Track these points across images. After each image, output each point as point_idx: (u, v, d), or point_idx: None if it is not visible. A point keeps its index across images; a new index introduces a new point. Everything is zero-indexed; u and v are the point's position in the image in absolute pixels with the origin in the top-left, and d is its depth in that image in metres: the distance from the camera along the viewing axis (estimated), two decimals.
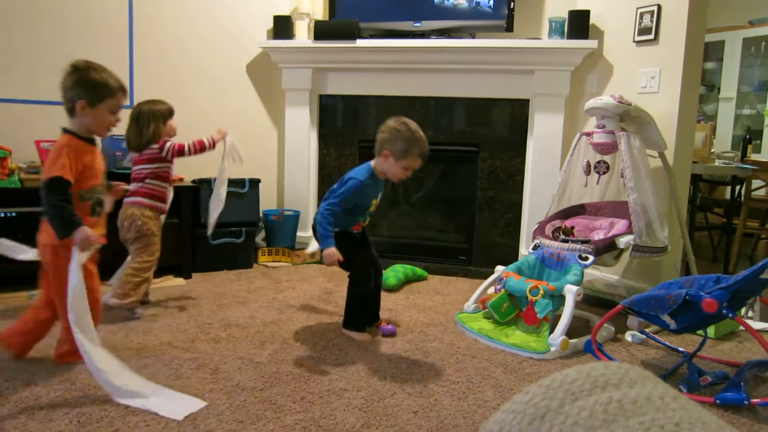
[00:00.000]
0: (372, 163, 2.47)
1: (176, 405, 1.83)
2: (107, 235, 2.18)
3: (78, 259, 1.90)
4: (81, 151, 2.01)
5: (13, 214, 3.00)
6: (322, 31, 3.76)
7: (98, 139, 2.14)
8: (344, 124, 4.02)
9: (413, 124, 2.38)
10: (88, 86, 1.99)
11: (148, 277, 2.73)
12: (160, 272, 3.37)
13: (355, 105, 3.97)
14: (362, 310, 2.56)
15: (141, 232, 2.71)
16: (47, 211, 1.94)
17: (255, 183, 3.79)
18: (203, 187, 3.57)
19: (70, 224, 1.91)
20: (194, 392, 1.92)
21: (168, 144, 2.76)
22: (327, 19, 3.95)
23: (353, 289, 2.55)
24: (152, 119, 2.77)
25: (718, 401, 1.96)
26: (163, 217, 2.84)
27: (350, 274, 2.56)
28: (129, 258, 2.78)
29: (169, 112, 2.83)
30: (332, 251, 2.33)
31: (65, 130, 2.03)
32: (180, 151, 2.77)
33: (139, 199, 2.72)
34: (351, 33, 3.70)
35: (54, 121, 3.46)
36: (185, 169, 3.76)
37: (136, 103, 3.66)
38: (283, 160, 4.14)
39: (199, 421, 1.73)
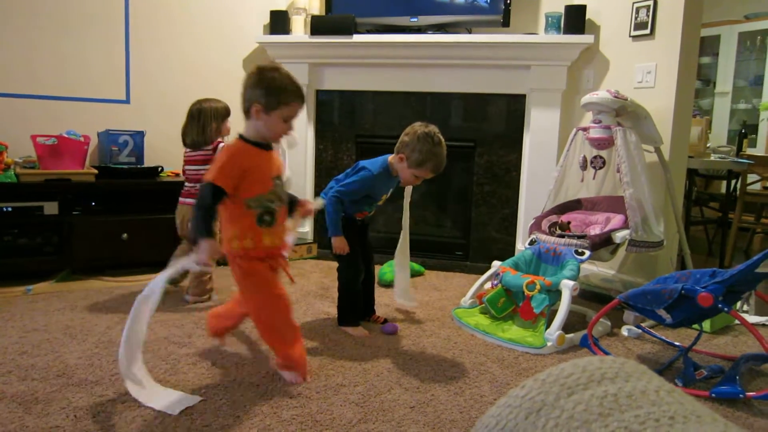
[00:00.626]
0: (389, 158, 2.47)
1: (172, 400, 1.83)
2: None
3: (180, 264, 1.89)
4: (245, 155, 1.92)
5: (9, 209, 2.99)
6: (318, 26, 3.75)
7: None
8: (341, 120, 4.01)
9: (437, 137, 2.37)
10: (267, 90, 1.89)
11: (210, 272, 2.89)
12: (156, 269, 3.37)
13: (352, 100, 3.96)
14: (354, 305, 2.56)
15: None
16: (194, 209, 1.89)
17: None
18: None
19: (199, 231, 1.82)
20: (191, 387, 1.93)
21: (221, 146, 2.79)
22: (323, 14, 3.94)
23: (341, 283, 2.55)
24: (214, 118, 2.83)
25: (713, 395, 1.97)
26: None
27: (338, 266, 2.55)
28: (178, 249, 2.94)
29: (227, 112, 2.88)
30: (342, 241, 2.40)
31: (239, 134, 1.97)
32: None
33: (188, 200, 2.84)
34: (347, 28, 3.69)
35: (50, 116, 3.47)
36: (181, 164, 3.75)
37: (132, 97, 3.68)
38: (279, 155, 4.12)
39: (196, 416, 1.74)
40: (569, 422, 0.54)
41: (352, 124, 3.99)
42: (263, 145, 1.97)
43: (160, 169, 3.54)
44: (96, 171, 3.26)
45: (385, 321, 2.63)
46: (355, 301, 2.57)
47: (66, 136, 3.18)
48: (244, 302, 2.06)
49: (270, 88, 1.88)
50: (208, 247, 1.80)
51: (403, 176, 2.44)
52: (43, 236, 3.08)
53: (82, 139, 3.23)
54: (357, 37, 3.72)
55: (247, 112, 1.93)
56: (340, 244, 2.41)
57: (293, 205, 2.13)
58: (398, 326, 2.57)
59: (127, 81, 3.63)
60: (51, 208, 3.08)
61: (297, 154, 4.04)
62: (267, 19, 3.95)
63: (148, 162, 3.58)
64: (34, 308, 2.68)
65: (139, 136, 3.52)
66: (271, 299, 1.98)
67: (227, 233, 1.96)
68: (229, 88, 3.96)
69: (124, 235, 3.23)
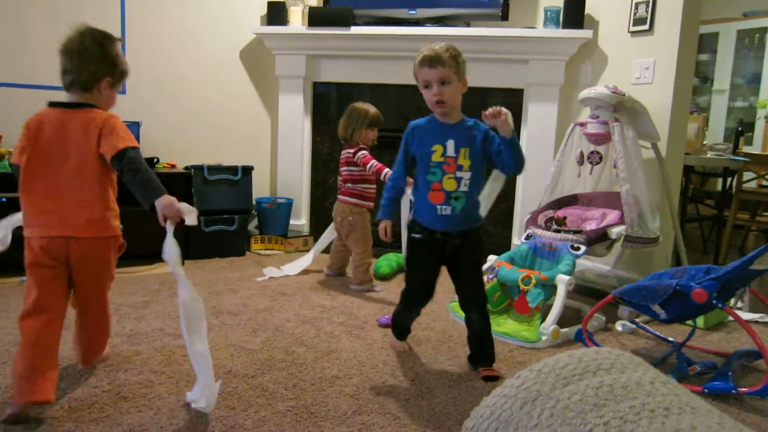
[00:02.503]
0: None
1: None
2: None
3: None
4: None
5: (4, 200, 2.98)
6: (316, 18, 3.74)
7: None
8: (338, 112, 3.99)
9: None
10: None
11: (370, 262, 3.10)
12: (152, 259, 3.37)
13: (349, 92, 3.95)
14: (402, 324, 2.29)
15: (352, 227, 3.07)
16: None
17: (248, 170, 3.78)
18: (195, 173, 3.56)
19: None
20: (186, 379, 1.92)
21: (361, 153, 3.00)
22: (321, 5, 3.93)
23: (398, 304, 2.26)
24: (358, 121, 3.03)
25: (706, 390, 1.98)
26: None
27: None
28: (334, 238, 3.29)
29: (375, 120, 3.06)
30: (384, 224, 2.12)
31: None
32: (370, 169, 2.97)
33: (347, 198, 3.09)
34: (345, 20, 3.68)
35: (44, 106, 3.44)
36: (177, 155, 3.75)
37: (128, 87, 3.66)
38: (276, 147, 4.12)
39: (191, 408, 1.73)
40: (564, 412, 0.54)
41: None
42: None
43: (155, 160, 3.52)
44: None
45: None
46: (405, 322, 2.28)
47: None
48: None
49: None
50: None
51: (428, 101, 2.00)
52: None
53: None
54: (355, 29, 3.71)
55: None
56: (381, 226, 2.12)
57: None
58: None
59: None
60: None
61: (293, 146, 4.03)
62: (264, 10, 3.93)
63: (144, 153, 3.52)
64: None
65: (134, 126, 3.50)
66: None
67: None
68: (226, 78, 3.98)
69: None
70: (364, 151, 3.01)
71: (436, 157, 1.99)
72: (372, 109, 3.06)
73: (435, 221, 2.01)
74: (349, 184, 3.08)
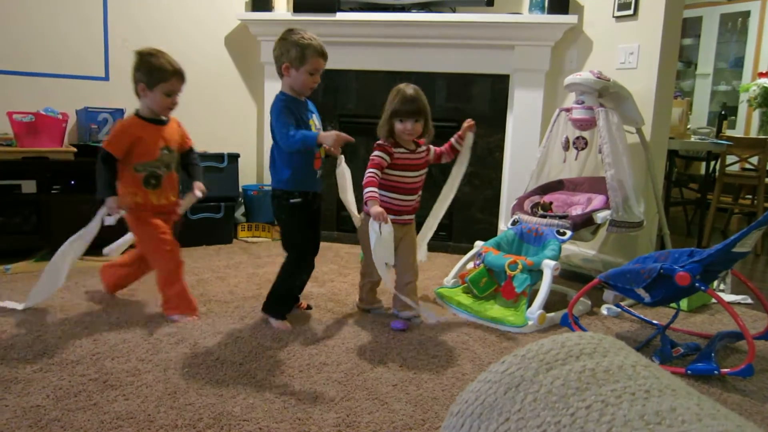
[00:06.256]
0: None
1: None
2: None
3: (101, 216, 2.29)
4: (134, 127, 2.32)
5: None
6: (301, 4, 3.70)
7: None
8: (324, 99, 3.97)
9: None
10: (146, 70, 2.28)
11: (374, 281, 2.52)
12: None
13: (335, 79, 3.93)
14: (288, 300, 2.40)
15: (362, 236, 2.44)
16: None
17: (234, 158, 3.75)
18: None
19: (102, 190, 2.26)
20: (174, 366, 1.92)
21: (373, 154, 2.34)
22: None
23: (284, 275, 2.34)
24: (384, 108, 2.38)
25: (689, 372, 2.01)
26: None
27: (287, 256, 2.35)
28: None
29: (398, 109, 2.33)
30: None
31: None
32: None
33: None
34: (331, 6, 3.65)
35: (27, 93, 3.40)
36: None
37: (111, 74, 3.61)
38: (262, 134, 4.09)
39: (179, 395, 1.74)
40: (547, 396, 0.55)
41: (336, 104, 3.96)
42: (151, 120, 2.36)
43: None
44: (75, 149, 3.21)
45: (309, 307, 2.55)
46: (291, 296, 2.42)
47: (43, 113, 3.12)
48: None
49: (150, 70, 2.28)
50: (111, 202, 2.25)
51: (307, 85, 2.37)
52: (21, 215, 3.03)
53: (60, 116, 3.18)
54: (340, 15, 3.68)
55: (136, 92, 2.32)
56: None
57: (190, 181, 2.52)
58: (407, 324, 2.40)
59: (106, 57, 3.56)
60: (29, 186, 3.03)
61: None
62: None
63: None
64: (12, 288, 2.65)
65: (118, 113, 3.47)
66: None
67: (121, 191, 2.32)
68: (211, 65, 3.94)
69: None
70: (376, 153, 2.34)
71: (314, 129, 2.33)
72: (408, 90, 2.33)
73: (315, 184, 2.36)
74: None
